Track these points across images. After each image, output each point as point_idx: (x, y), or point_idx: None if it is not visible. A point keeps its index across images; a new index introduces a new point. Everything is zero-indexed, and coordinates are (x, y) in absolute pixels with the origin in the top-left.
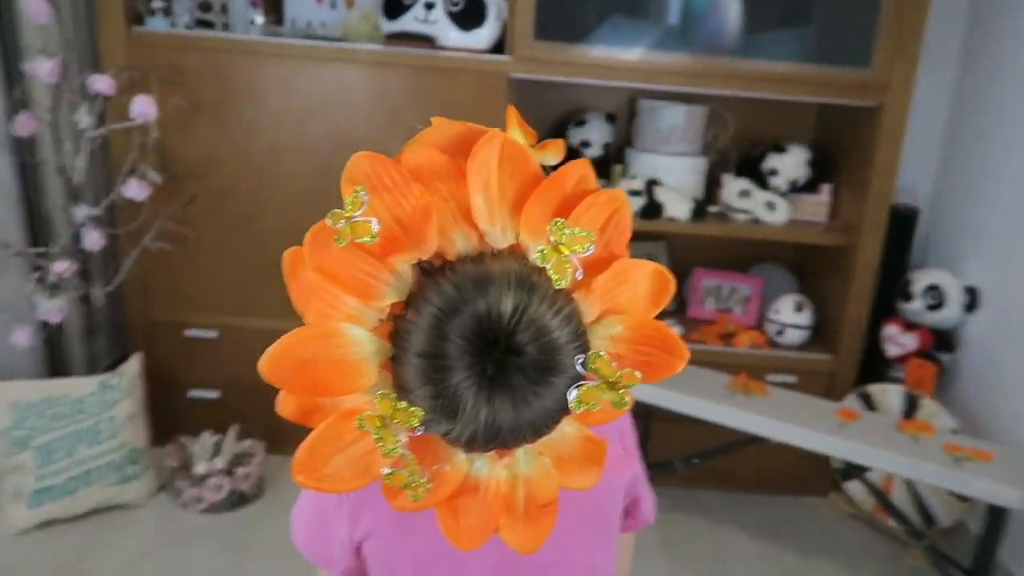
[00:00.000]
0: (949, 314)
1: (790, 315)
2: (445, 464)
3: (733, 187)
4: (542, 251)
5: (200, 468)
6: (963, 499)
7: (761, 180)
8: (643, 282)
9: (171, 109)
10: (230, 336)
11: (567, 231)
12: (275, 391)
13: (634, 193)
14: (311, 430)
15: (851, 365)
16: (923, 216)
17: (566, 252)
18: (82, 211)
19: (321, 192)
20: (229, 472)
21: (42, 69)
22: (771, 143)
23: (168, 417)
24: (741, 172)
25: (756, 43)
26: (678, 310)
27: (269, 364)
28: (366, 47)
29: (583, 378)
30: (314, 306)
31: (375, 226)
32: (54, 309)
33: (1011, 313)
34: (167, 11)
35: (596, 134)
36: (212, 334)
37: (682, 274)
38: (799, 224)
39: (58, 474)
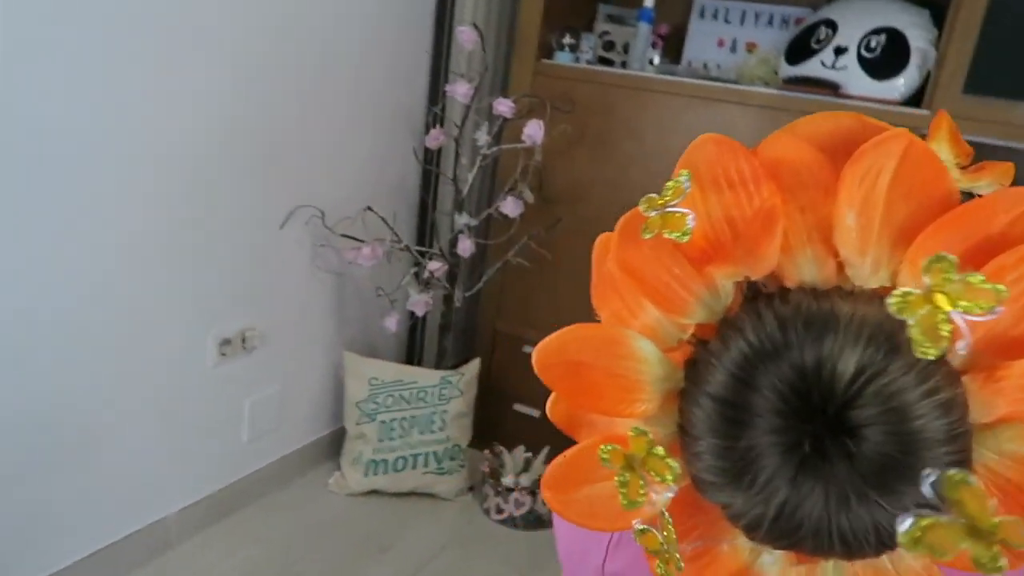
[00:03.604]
0: None
1: None
2: (723, 542)
3: None
4: (903, 296)
5: (508, 480)
6: None
7: None
8: None
9: (557, 136)
10: None
11: (956, 275)
12: None
13: None
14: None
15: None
16: None
17: (946, 307)
18: (463, 219)
19: None
20: (532, 491)
21: (460, 90)
22: None
23: (490, 424)
24: None
25: None
26: None
27: (542, 356)
28: (759, 89)
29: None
30: (612, 305)
31: (690, 222)
32: (421, 302)
33: None
34: (574, 47)
35: None
36: None
37: None
38: None
39: (392, 451)
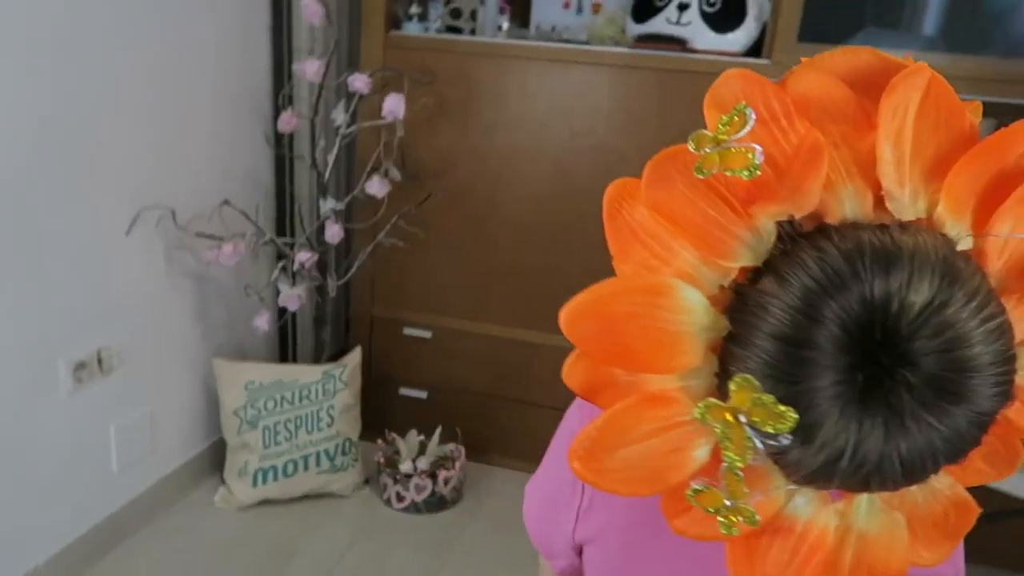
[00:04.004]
0: None
1: None
2: (758, 493)
3: None
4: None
5: (406, 466)
6: None
7: None
8: None
9: (419, 109)
10: (444, 338)
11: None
12: (481, 397)
13: None
14: (511, 438)
15: None
16: None
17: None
18: (328, 204)
19: (555, 196)
20: (432, 474)
21: (310, 69)
22: None
23: (378, 412)
24: None
25: None
26: None
27: (572, 316)
28: (613, 49)
29: (993, 415)
30: (638, 254)
31: (758, 156)
32: (293, 297)
33: None
34: (422, 16)
35: None
36: (427, 334)
37: None
38: None
39: (279, 455)
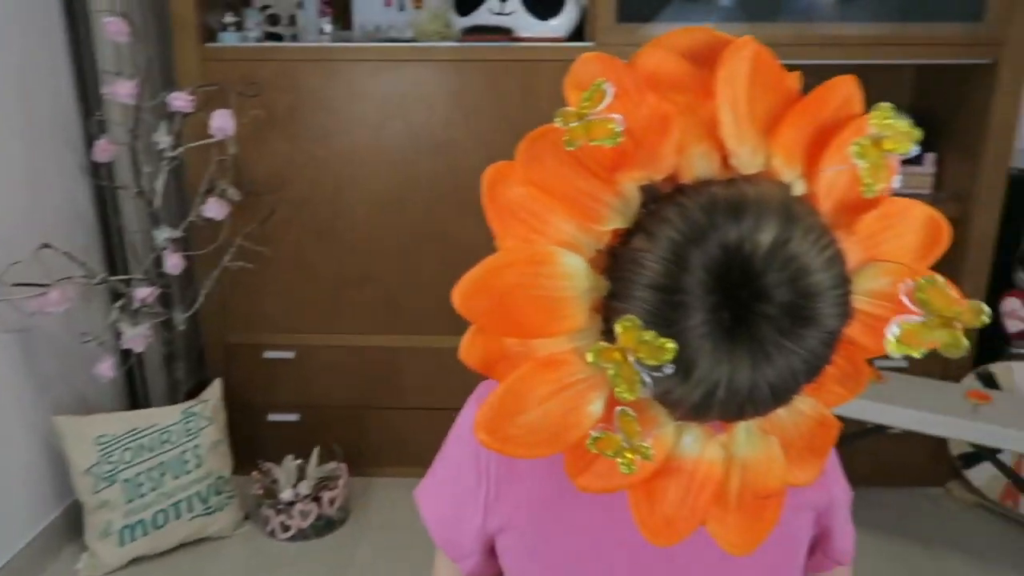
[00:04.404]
0: None
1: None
2: (648, 437)
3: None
4: (859, 145)
5: (286, 494)
6: None
7: None
8: (912, 231)
9: (248, 123)
10: (308, 356)
11: (891, 120)
12: (354, 410)
13: None
14: (390, 447)
15: (968, 345)
16: None
17: (889, 148)
18: (163, 234)
19: (400, 196)
20: (315, 497)
21: (122, 90)
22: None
23: (248, 443)
24: None
25: (849, 7)
26: None
27: (464, 293)
28: (441, 44)
29: (838, 333)
30: (518, 231)
31: (619, 125)
32: (138, 337)
33: None
34: (239, 25)
35: None
36: (289, 354)
37: None
38: None
39: (146, 508)
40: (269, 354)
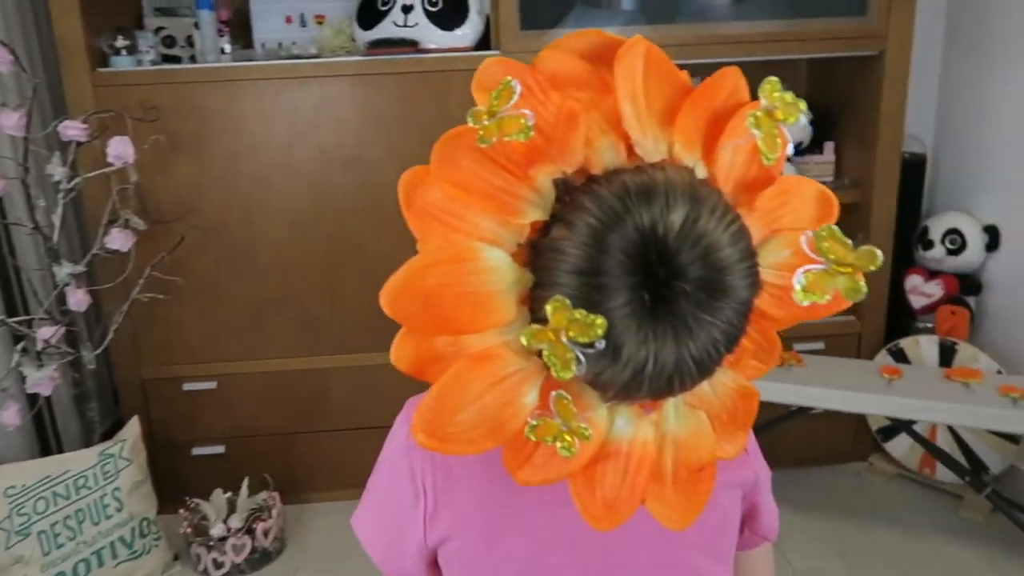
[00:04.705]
0: (971, 256)
1: None
2: (583, 420)
3: None
4: (755, 116)
5: (217, 530)
6: (1013, 441)
7: None
8: (806, 206)
9: (149, 149)
10: (230, 385)
11: (779, 94)
12: (282, 437)
13: None
14: (322, 471)
15: (878, 323)
16: (930, 162)
17: (781, 118)
18: (65, 270)
19: (315, 215)
20: (248, 530)
21: (7, 122)
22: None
23: (173, 480)
24: None
25: (743, 6)
26: None
27: (391, 295)
28: (347, 59)
29: (751, 304)
30: (437, 231)
31: (530, 119)
32: (44, 380)
33: None
34: (131, 49)
35: None
36: (210, 385)
37: None
38: None
39: (65, 559)
40: (189, 386)
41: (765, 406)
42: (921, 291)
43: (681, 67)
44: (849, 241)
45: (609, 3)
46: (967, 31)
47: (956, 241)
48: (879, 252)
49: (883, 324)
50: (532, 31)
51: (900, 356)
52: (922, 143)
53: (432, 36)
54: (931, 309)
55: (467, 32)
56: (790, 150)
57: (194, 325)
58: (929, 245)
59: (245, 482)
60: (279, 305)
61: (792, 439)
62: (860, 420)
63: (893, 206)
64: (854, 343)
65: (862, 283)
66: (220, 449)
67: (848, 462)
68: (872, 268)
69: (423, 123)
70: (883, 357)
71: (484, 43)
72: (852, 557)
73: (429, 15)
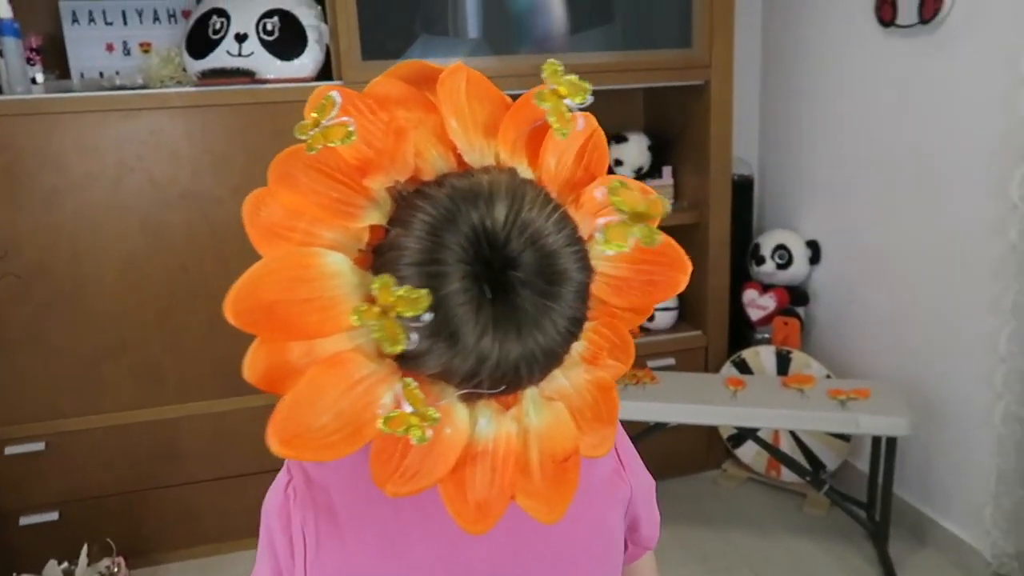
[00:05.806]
0: (797, 270)
1: None
2: (446, 428)
3: None
4: (540, 94)
5: None
6: (844, 439)
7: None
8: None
9: None
10: (62, 444)
11: (560, 74)
12: (126, 496)
13: None
14: (175, 526)
15: (721, 336)
16: (757, 182)
17: (565, 93)
18: None
19: (151, 254)
20: None
21: None
22: (610, 134)
23: (1, 555)
24: None
25: (580, 37)
26: None
27: (233, 307)
28: (177, 90)
29: (586, 286)
30: (280, 247)
31: (352, 125)
32: None
33: (851, 258)
34: None
35: None
36: (39, 446)
37: None
38: None
39: None
40: (13, 449)
41: (624, 425)
42: (757, 304)
43: (522, 95)
44: (644, 194)
45: (455, 32)
46: (782, 62)
47: (784, 256)
48: (666, 200)
49: (726, 336)
50: (374, 61)
51: (743, 367)
52: (749, 165)
53: (270, 66)
54: (767, 320)
55: (306, 62)
56: (580, 124)
57: (16, 381)
58: (761, 261)
59: (84, 549)
60: (116, 353)
61: (651, 454)
62: (712, 430)
63: (727, 225)
64: (702, 356)
65: (658, 233)
66: (53, 516)
67: (704, 471)
68: (662, 214)
69: (264, 156)
70: (728, 369)
71: (326, 73)
72: (712, 561)
73: (265, 44)
